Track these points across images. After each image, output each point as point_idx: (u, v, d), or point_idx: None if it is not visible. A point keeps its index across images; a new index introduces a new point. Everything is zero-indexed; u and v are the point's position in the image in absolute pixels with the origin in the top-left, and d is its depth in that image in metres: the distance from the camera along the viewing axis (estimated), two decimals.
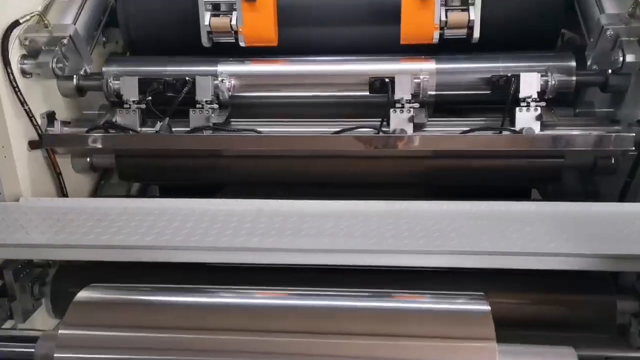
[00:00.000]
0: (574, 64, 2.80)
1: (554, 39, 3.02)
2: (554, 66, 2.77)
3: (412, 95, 2.77)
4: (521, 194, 3.41)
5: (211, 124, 2.84)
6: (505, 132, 2.68)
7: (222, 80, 2.91)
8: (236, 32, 2.90)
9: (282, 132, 2.90)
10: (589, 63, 2.68)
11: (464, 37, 2.82)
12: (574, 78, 2.77)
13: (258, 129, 2.89)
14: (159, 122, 2.85)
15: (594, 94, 3.01)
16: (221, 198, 2.77)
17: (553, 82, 2.70)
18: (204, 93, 2.87)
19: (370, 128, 2.80)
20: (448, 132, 2.81)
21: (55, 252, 2.30)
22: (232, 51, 3.05)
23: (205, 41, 2.94)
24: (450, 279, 2.41)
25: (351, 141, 2.68)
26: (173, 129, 2.89)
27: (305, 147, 2.72)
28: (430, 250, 2.11)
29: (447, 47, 2.86)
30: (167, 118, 2.86)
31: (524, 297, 2.45)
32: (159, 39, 3.14)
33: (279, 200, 2.54)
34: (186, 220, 2.36)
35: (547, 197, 3.38)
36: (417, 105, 2.78)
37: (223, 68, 3.01)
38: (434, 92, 2.85)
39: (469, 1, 2.76)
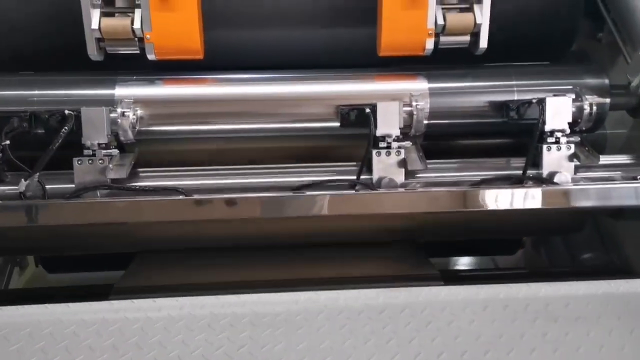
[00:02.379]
0: (607, 81, 2.13)
1: (566, 47, 2.33)
2: (585, 85, 2.09)
3: (402, 129, 1.98)
4: (512, 245, 2.78)
5: (108, 180, 1.89)
6: (529, 181, 1.96)
7: (124, 112, 1.95)
8: (141, 39, 1.96)
9: (216, 186, 2.00)
10: (634, 83, 2.01)
11: (465, 46, 2.06)
12: (608, 100, 2.10)
13: (181, 183, 1.97)
14: (22, 180, 1.85)
15: None
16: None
17: (588, 108, 2.01)
18: (94, 133, 1.90)
19: (344, 180, 1.97)
20: (448, 178, 2.04)
21: None
22: (136, 66, 2.11)
23: (93, 52, 1.96)
24: None
25: (319, 204, 1.83)
26: (48, 187, 1.91)
27: (252, 214, 1.84)
28: None
29: (435, 57, 2.09)
30: (37, 173, 1.87)
31: None
32: (22, 49, 2.12)
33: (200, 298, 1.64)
34: None
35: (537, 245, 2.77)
36: (408, 143, 1.99)
37: (123, 91, 2.06)
38: (426, 122, 2.07)
39: None
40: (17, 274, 2.86)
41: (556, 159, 1.97)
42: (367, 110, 1.95)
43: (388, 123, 1.96)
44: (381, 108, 1.96)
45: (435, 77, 2.13)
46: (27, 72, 2.13)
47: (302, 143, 2.16)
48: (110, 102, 2.02)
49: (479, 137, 2.23)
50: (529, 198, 1.84)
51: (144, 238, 2.16)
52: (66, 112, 1.87)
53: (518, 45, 2.21)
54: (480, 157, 2.15)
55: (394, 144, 1.96)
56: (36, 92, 2.02)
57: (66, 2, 1.99)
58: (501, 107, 2.08)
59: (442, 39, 2.02)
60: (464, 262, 3.24)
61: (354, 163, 2.03)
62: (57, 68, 2.14)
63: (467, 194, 1.83)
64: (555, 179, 1.94)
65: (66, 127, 1.85)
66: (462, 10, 2.03)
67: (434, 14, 1.96)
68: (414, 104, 2.01)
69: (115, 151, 1.92)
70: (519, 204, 1.84)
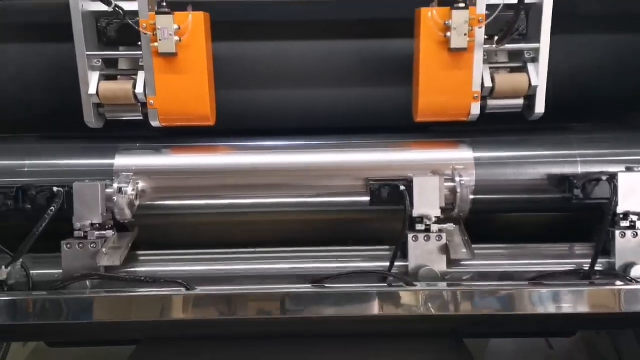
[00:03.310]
0: None
1: (637, 106, 1.99)
2: None
3: (442, 209, 1.68)
4: None
5: (102, 268, 1.63)
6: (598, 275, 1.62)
7: (121, 187, 1.70)
8: (144, 104, 1.73)
9: (224, 273, 1.71)
10: None
11: (518, 110, 1.76)
12: None
13: (184, 270, 1.70)
14: (3, 267, 1.61)
15: None
16: None
17: None
18: (86, 212, 1.66)
19: (374, 270, 1.67)
20: (499, 267, 1.71)
21: None
22: (140, 129, 1.88)
23: (90, 119, 1.74)
24: None
25: (343, 303, 1.52)
26: (33, 273, 1.67)
27: (263, 314, 1.54)
28: None
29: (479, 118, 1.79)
30: (21, 260, 1.63)
31: None
32: (20, 110, 1.92)
33: None
34: None
35: None
36: (451, 225, 1.68)
37: (124, 161, 1.82)
38: (471, 196, 1.76)
39: (526, 55, 1.71)
40: (20, 344, 2.66)
41: (631, 247, 1.63)
42: (402, 187, 1.66)
43: (426, 201, 1.67)
44: (418, 183, 1.67)
45: (480, 145, 1.83)
46: (21, 138, 1.92)
47: (324, 220, 1.87)
48: (109, 173, 1.79)
49: (529, 211, 1.90)
50: (602, 299, 1.50)
51: (146, 328, 1.89)
52: (55, 189, 1.64)
53: (579, 104, 1.90)
54: (534, 235, 1.83)
55: (434, 227, 1.65)
56: (27, 161, 1.80)
57: (65, 61, 1.79)
58: (561, 182, 1.75)
59: (490, 102, 1.73)
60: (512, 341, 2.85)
61: (386, 247, 1.74)
62: (57, 131, 1.94)
63: (525, 295, 1.50)
64: (632, 273, 1.59)
65: (53, 207, 1.61)
66: (513, 69, 1.74)
67: (480, 74, 1.68)
68: (457, 178, 1.71)
69: (109, 232, 1.67)
70: (588, 307, 1.50)
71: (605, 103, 1.90)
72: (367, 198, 1.77)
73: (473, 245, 1.68)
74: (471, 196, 1.75)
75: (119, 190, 1.69)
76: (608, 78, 1.85)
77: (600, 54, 1.85)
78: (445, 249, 1.64)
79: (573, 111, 1.88)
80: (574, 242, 1.76)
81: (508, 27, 1.58)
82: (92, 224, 1.66)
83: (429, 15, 1.64)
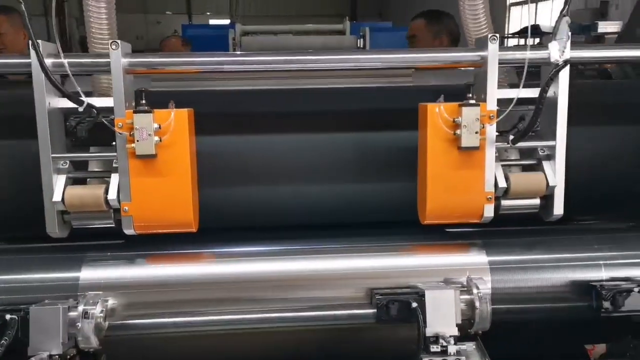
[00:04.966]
0: None
1: None
2: None
3: (459, 325, 1.48)
4: None
5: None
6: None
7: (86, 311, 1.45)
8: (117, 211, 1.52)
9: None
10: None
11: (534, 211, 1.60)
12: None
13: None
14: None
15: None
16: None
17: None
18: (45, 341, 1.39)
19: None
20: None
21: None
22: (108, 238, 1.66)
23: (54, 230, 1.51)
24: None
25: None
26: None
27: None
28: None
29: None
30: None
31: None
32: None
33: None
34: None
35: None
36: (471, 345, 1.47)
37: (91, 274, 1.58)
38: (490, 313, 1.56)
39: (540, 152, 1.58)
40: None
41: None
42: (414, 304, 1.46)
43: (442, 319, 1.46)
44: (431, 298, 1.47)
45: (495, 248, 1.66)
46: None
47: (320, 336, 1.64)
48: (74, 288, 1.55)
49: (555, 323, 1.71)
50: None
51: None
52: (7, 317, 1.39)
53: (601, 201, 1.77)
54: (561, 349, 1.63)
55: (451, 349, 1.44)
56: None
57: (29, 160, 1.58)
58: (587, 290, 1.58)
59: (505, 202, 1.57)
60: None
61: None
62: (20, 237, 1.71)
63: None
64: None
65: (5, 339, 1.35)
66: (526, 167, 1.60)
67: (493, 174, 1.53)
68: (474, 290, 1.52)
69: None
70: None
71: (625, 198, 1.77)
72: (371, 311, 1.56)
73: None
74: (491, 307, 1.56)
75: (85, 314, 1.44)
76: (630, 170, 1.73)
77: (617, 144, 1.74)
78: None
79: (590, 206, 1.75)
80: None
81: (527, 126, 1.45)
82: (50, 356, 1.39)
83: (437, 112, 1.50)
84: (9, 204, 1.68)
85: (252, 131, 1.74)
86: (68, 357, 1.42)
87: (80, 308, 1.45)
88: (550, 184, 1.54)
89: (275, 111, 1.78)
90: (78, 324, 1.43)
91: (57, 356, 1.39)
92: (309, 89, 1.83)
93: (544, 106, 1.50)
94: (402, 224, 1.72)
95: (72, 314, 1.44)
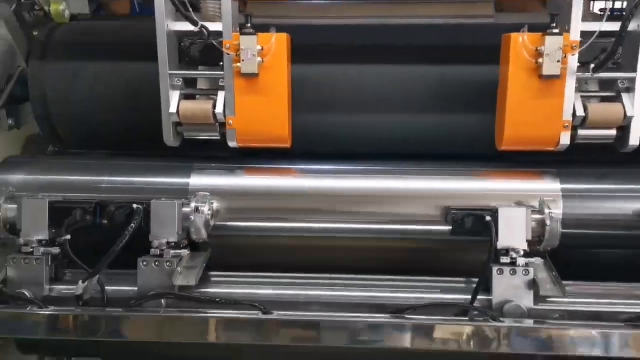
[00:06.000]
0: None
1: None
2: None
3: (529, 242, 1.60)
4: None
5: (176, 288, 1.62)
6: None
7: (197, 207, 1.69)
8: (222, 125, 1.73)
9: (297, 298, 1.67)
10: None
11: (610, 141, 1.68)
12: None
13: (256, 292, 1.67)
14: (80, 282, 1.61)
15: None
16: None
17: None
18: (163, 230, 1.65)
19: (455, 302, 1.60)
20: (590, 307, 1.60)
21: None
22: (213, 152, 1.88)
23: (169, 138, 1.75)
24: None
25: (424, 335, 1.45)
26: (108, 289, 1.66)
27: (342, 341, 1.48)
28: None
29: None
30: (97, 276, 1.62)
31: None
32: (94, 130, 1.95)
33: None
34: None
35: None
36: (539, 260, 1.60)
37: (199, 180, 1.81)
38: (560, 231, 1.67)
39: (620, 84, 1.63)
40: None
41: None
42: (488, 217, 1.59)
43: (513, 234, 1.59)
44: (504, 214, 1.60)
45: (568, 177, 1.74)
46: (99, 154, 1.95)
47: (398, 248, 1.81)
48: (184, 192, 1.78)
49: (622, 249, 1.79)
50: None
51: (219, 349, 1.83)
52: (134, 206, 1.64)
53: None
54: (626, 272, 1.72)
55: (520, 260, 1.57)
56: (105, 177, 1.81)
57: (145, 81, 1.81)
58: None
59: (581, 132, 1.65)
60: None
61: (462, 279, 1.66)
62: (135, 149, 1.97)
63: (625, 337, 1.40)
64: None
65: (133, 224, 1.61)
66: (604, 99, 1.66)
67: (572, 103, 1.61)
68: (546, 210, 1.63)
69: (184, 252, 1.66)
70: None
71: None
72: (445, 227, 1.71)
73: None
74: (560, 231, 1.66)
75: (196, 209, 1.68)
76: None
77: None
78: (532, 285, 1.55)
79: None
80: None
81: (607, 55, 1.51)
82: (168, 243, 1.64)
83: (520, 41, 1.58)
84: (125, 122, 1.93)
85: (341, 61, 1.88)
86: (181, 245, 1.66)
87: (193, 204, 1.68)
88: (627, 115, 1.60)
89: (364, 44, 1.91)
90: (191, 217, 1.67)
91: (173, 243, 1.64)
92: (397, 25, 1.93)
93: (626, 40, 1.55)
94: (476, 155, 1.84)
95: (186, 209, 1.68)
